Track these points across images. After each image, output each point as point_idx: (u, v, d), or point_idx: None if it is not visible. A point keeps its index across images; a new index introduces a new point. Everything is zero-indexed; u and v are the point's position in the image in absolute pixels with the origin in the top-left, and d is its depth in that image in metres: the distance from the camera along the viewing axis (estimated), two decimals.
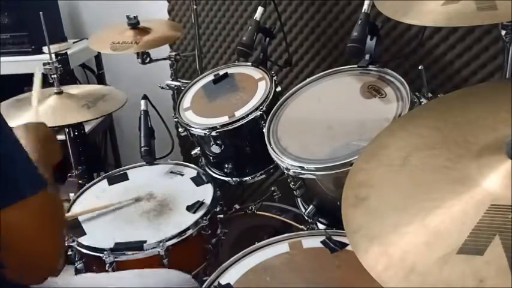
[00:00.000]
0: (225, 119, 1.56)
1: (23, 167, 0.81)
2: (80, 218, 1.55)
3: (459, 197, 0.73)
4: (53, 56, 1.92)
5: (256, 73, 1.70)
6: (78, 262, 1.49)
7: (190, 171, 1.77)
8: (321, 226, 1.41)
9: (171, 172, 1.79)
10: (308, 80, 1.54)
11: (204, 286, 1.14)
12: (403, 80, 1.35)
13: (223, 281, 1.15)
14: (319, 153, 1.28)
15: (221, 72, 1.76)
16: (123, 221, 1.54)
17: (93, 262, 1.45)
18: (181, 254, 1.46)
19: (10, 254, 0.80)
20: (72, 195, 1.71)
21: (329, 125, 1.36)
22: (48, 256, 0.85)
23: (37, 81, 1.56)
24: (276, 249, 1.24)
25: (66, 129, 2.14)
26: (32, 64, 2.25)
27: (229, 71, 1.77)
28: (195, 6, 2.02)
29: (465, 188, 0.73)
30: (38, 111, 1.55)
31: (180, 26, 2.33)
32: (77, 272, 1.51)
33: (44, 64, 1.76)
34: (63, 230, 0.94)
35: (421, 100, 1.33)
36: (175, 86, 2.03)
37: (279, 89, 1.63)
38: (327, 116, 1.40)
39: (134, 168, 1.84)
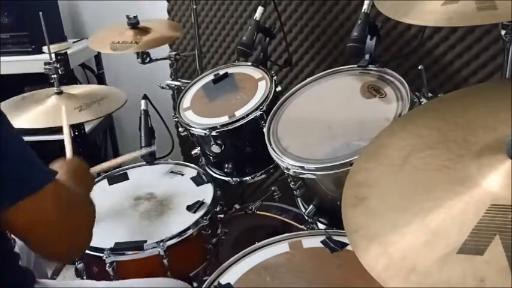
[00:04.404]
0: (225, 119, 1.56)
1: (30, 163, 0.85)
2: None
3: (459, 197, 0.73)
4: (53, 55, 1.92)
5: (256, 73, 1.70)
6: (78, 262, 1.50)
7: (191, 171, 1.77)
8: (321, 226, 1.42)
9: (171, 172, 1.79)
10: (308, 79, 1.54)
11: (204, 286, 1.14)
12: (403, 79, 1.35)
13: (223, 280, 1.15)
14: (319, 153, 1.28)
15: (221, 72, 1.76)
16: (123, 221, 1.54)
17: (93, 262, 1.45)
18: (182, 254, 1.46)
19: (31, 239, 0.87)
20: None
21: (329, 125, 1.36)
22: (62, 241, 0.89)
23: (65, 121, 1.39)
24: (276, 249, 1.24)
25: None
26: (32, 64, 2.26)
27: (229, 70, 1.77)
28: (194, 6, 2.02)
29: (465, 188, 0.73)
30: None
31: (180, 26, 2.33)
32: (77, 272, 1.51)
33: (45, 64, 1.76)
34: (86, 217, 0.97)
35: (421, 100, 1.33)
36: (175, 85, 2.03)
37: (279, 88, 1.63)
38: (327, 116, 1.40)
39: (134, 168, 1.84)
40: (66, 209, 0.88)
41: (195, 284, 1.52)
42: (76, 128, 2.28)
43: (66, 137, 1.30)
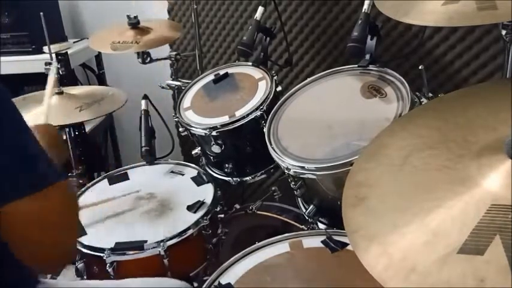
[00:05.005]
0: (225, 119, 1.56)
1: (41, 159, 0.82)
2: (81, 218, 1.55)
3: (459, 197, 0.73)
4: (53, 55, 1.92)
5: (256, 73, 1.70)
6: (79, 262, 1.50)
7: (191, 171, 1.77)
8: (321, 226, 1.42)
9: (172, 172, 1.79)
10: (308, 79, 1.54)
11: (204, 286, 1.14)
12: (403, 79, 1.35)
13: (223, 280, 1.16)
14: (320, 153, 1.28)
15: (221, 72, 1.76)
16: (123, 221, 1.54)
17: (94, 262, 1.45)
18: (182, 254, 1.46)
19: (26, 244, 0.81)
20: None
21: (329, 125, 1.36)
22: (65, 244, 0.87)
23: (51, 78, 1.43)
24: (276, 249, 1.24)
25: (67, 129, 2.14)
26: (32, 64, 2.26)
27: (230, 70, 1.77)
28: (195, 6, 2.02)
29: (465, 188, 0.73)
30: (51, 107, 1.41)
31: (180, 26, 2.33)
32: (78, 272, 1.51)
33: (45, 64, 1.77)
34: (78, 222, 0.96)
35: (421, 100, 1.33)
36: (176, 85, 2.03)
37: (279, 88, 1.63)
38: (327, 116, 1.40)
39: (135, 168, 1.84)
40: (66, 209, 0.86)
41: (195, 284, 1.52)
42: (76, 127, 2.28)
43: (45, 102, 1.29)
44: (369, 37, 1.44)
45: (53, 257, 0.86)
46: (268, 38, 1.77)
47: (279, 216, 1.67)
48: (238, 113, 1.55)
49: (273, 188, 1.84)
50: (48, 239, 0.83)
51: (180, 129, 1.67)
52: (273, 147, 1.36)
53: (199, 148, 1.72)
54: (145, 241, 1.43)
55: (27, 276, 1.08)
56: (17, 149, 0.79)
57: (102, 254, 1.41)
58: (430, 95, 1.36)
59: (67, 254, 0.91)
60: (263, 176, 1.68)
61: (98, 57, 2.68)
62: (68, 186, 0.86)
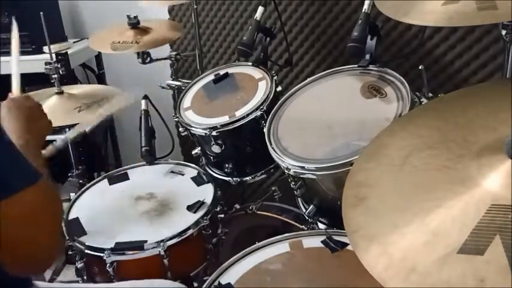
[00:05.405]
0: (225, 119, 1.56)
1: (14, 162, 0.81)
2: (80, 218, 1.56)
3: (459, 197, 0.73)
4: (53, 55, 1.92)
5: (256, 73, 1.70)
6: (79, 262, 1.49)
7: (191, 171, 1.77)
8: (321, 226, 1.42)
9: (172, 172, 1.79)
10: (308, 79, 1.54)
11: (204, 286, 1.14)
12: (403, 79, 1.35)
13: (223, 280, 1.16)
14: (320, 153, 1.28)
15: (221, 72, 1.76)
16: (123, 221, 1.54)
17: (94, 262, 1.46)
18: (182, 253, 1.46)
19: (5, 247, 0.80)
20: (72, 195, 1.71)
21: (329, 125, 1.36)
22: (42, 248, 0.85)
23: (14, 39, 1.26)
24: (276, 249, 1.24)
25: (67, 129, 2.14)
26: (32, 64, 2.26)
27: (230, 70, 1.77)
28: (195, 6, 2.02)
29: (465, 188, 0.73)
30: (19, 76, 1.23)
31: (180, 26, 2.33)
32: (78, 271, 1.51)
33: (45, 64, 1.77)
34: (60, 222, 0.94)
35: (421, 100, 1.33)
36: (176, 85, 2.03)
37: (279, 88, 1.63)
38: (327, 116, 1.40)
39: (135, 168, 1.84)
40: (41, 213, 0.84)
41: (195, 284, 1.52)
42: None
43: (14, 69, 1.19)
44: (369, 37, 1.44)
45: (32, 257, 0.85)
46: (268, 38, 1.77)
47: (279, 216, 1.67)
48: (238, 113, 1.55)
49: (273, 188, 1.84)
50: (21, 241, 0.81)
51: (180, 129, 1.67)
52: (273, 147, 1.36)
53: (199, 148, 1.72)
54: (145, 241, 1.43)
55: (20, 278, 1.08)
56: None
57: (102, 254, 1.41)
58: (430, 95, 1.36)
59: (44, 257, 0.88)
60: (263, 176, 1.69)
61: (98, 57, 2.68)
62: (45, 188, 0.85)
